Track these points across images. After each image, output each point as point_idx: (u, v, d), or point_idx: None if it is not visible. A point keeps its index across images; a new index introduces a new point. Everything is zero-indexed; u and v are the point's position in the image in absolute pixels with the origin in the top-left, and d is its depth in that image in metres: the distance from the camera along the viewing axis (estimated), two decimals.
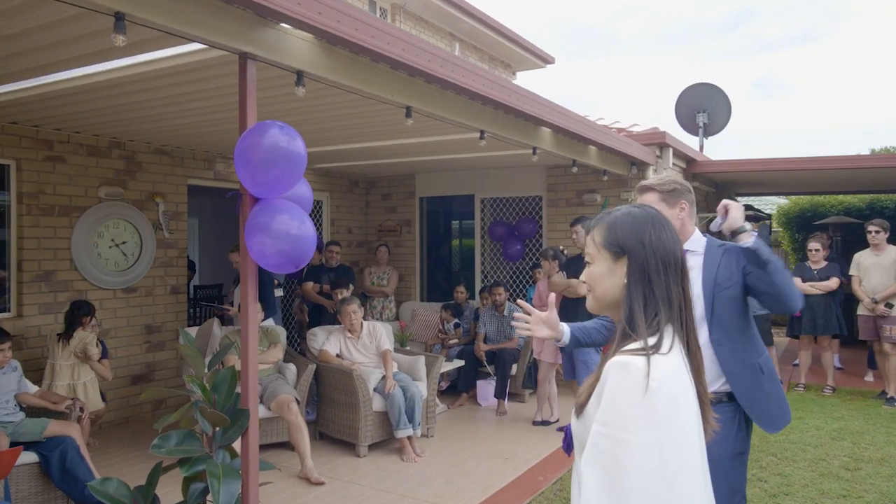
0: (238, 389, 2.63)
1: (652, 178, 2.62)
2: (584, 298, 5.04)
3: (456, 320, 7.08)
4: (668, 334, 1.26)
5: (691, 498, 1.19)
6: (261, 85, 3.18)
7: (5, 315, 5.07)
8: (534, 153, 5.25)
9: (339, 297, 6.03)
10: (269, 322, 5.71)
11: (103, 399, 4.98)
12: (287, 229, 2.48)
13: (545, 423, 5.80)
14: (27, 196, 5.17)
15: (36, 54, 3.22)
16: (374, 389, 5.04)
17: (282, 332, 5.51)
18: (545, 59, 13.29)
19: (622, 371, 1.20)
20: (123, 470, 4.52)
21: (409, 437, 4.94)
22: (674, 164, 7.26)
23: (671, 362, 1.23)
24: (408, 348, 6.41)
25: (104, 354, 4.97)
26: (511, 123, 4.64)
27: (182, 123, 5.10)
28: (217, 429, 2.59)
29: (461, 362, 6.49)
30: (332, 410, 5.20)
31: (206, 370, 2.68)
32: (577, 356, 5.32)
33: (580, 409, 1.32)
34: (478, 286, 8.14)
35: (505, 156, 6.49)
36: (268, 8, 2.40)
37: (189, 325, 6.69)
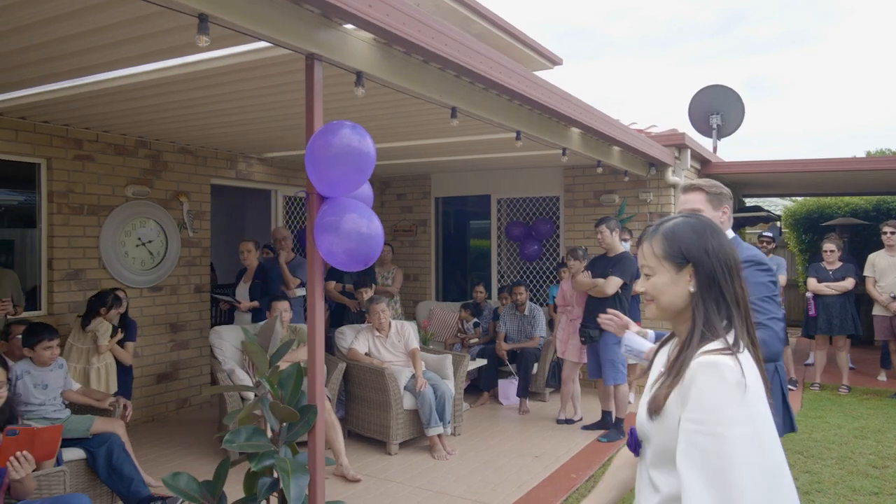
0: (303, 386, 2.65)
1: (699, 179, 2.68)
2: (609, 298, 5.13)
3: (475, 320, 7.12)
4: (740, 333, 1.33)
5: (790, 485, 1.26)
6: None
7: (36, 313, 5.08)
8: (563, 154, 5.29)
9: (364, 296, 6.06)
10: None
11: (129, 394, 4.94)
12: (357, 228, 2.52)
13: (569, 421, 5.85)
14: (57, 195, 5.19)
15: (87, 54, 3.23)
16: (405, 388, 5.08)
17: None
18: (553, 61, 13.30)
19: (713, 370, 1.24)
20: (160, 467, 4.53)
21: (440, 435, 4.98)
22: (690, 165, 7.33)
23: (748, 359, 1.29)
24: (431, 347, 6.44)
25: (130, 337, 4.91)
26: (544, 124, 4.69)
27: (209, 123, 5.12)
28: (283, 424, 2.62)
29: (484, 361, 6.53)
30: (362, 409, 5.23)
31: (268, 367, 2.71)
32: (603, 355, 5.37)
33: (657, 410, 1.34)
34: (494, 286, 8.18)
35: (522, 156, 6.54)
36: (340, 9, 2.43)
37: (212, 325, 6.69)
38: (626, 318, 2.32)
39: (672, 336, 1.50)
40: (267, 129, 5.20)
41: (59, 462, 3.33)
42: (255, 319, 5.85)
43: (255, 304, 5.85)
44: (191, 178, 6.23)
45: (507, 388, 6.54)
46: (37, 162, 5.14)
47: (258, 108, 4.44)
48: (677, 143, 6.89)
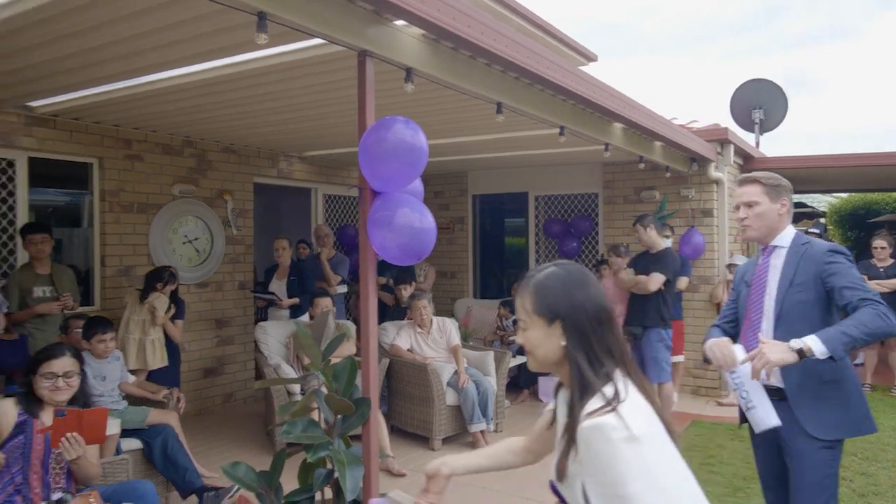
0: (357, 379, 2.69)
1: (756, 171, 2.61)
2: (652, 295, 4.96)
3: (514, 317, 7.11)
4: (619, 378, 1.31)
5: None
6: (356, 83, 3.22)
7: (90, 308, 5.23)
8: (606, 149, 5.25)
9: (403, 292, 6.10)
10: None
11: (177, 377, 5.03)
12: (410, 223, 2.54)
13: None
14: (109, 193, 5.34)
15: (142, 55, 3.32)
16: (447, 384, 5.10)
17: (352, 327, 5.60)
18: (588, 57, 13.17)
19: (599, 434, 1.24)
20: (210, 458, 4.63)
21: (483, 431, 4.99)
22: (733, 160, 7.19)
23: (634, 403, 1.28)
24: (471, 344, 6.46)
25: (180, 315, 5.00)
26: (587, 119, 4.66)
27: (254, 122, 5.20)
28: (338, 417, 2.66)
29: (524, 358, 6.51)
30: (405, 404, 5.27)
31: (321, 361, 2.75)
32: (647, 353, 5.30)
33: (561, 477, 1.35)
34: None
35: (561, 153, 6.49)
36: (394, 5, 2.46)
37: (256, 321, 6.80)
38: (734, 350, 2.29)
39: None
40: (311, 127, 5.26)
41: (118, 452, 3.43)
42: (292, 316, 5.94)
43: (296, 300, 5.93)
44: (234, 176, 6.35)
45: (548, 385, 6.51)
46: (89, 161, 5.30)
47: (304, 106, 4.50)
48: (720, 139, 6.77)
